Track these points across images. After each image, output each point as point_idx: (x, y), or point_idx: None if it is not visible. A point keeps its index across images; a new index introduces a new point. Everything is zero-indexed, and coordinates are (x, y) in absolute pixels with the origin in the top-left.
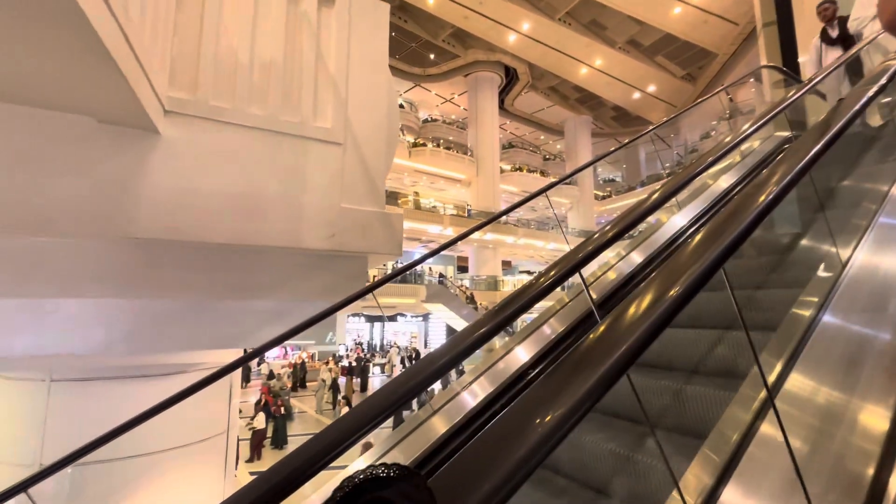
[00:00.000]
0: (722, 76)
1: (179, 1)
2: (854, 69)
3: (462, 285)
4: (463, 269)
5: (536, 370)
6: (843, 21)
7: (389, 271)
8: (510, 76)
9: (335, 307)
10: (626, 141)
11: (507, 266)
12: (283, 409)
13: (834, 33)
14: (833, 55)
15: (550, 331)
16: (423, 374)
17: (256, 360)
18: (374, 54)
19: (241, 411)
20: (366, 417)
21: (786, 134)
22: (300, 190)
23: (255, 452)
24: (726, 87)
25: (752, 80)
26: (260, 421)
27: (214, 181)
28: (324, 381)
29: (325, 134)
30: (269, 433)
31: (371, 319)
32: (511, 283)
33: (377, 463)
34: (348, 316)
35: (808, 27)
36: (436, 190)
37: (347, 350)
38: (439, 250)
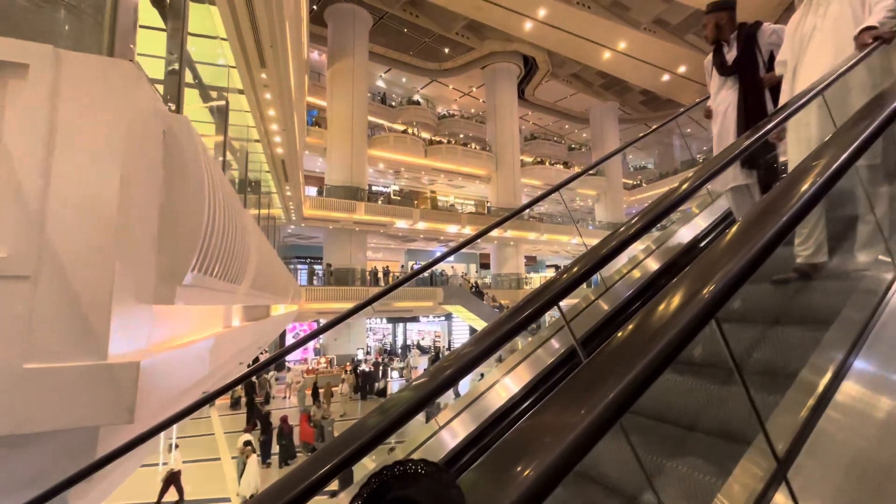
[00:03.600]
0: None
1: None
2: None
3: (465, 274)
4: (486, 266)
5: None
6: (750, 34)
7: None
8: (529, 66)
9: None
10: (654, 127)
11: (531, 262)
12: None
13: (731, 54)
14: (723, 93)
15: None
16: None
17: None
18: (103, 130)
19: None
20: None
21: None
22: None
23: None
24: None
25: None
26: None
27: None
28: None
29: None
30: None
31: (393, 320)
32: (534, 280)
33: (406, 459)
34: (367, 318)
35: None
36: (454, 187)
37: (367, 353)
38: (449, 254)
